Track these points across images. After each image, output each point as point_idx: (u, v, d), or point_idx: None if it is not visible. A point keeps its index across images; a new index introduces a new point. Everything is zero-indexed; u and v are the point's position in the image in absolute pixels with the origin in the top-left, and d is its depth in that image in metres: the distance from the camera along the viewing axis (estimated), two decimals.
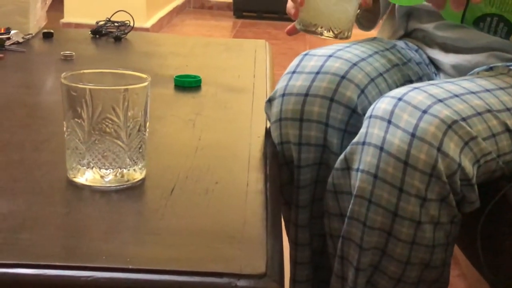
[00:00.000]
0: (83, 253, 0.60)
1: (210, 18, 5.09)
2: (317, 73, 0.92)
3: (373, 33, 1.17)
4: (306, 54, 0.96)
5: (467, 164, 0.82)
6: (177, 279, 0.57)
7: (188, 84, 1.15)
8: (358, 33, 1.07)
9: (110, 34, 1.49)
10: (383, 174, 0.81)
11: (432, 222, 0.82)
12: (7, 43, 1.35)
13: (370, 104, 0.91)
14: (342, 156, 0.87)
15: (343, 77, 0.91)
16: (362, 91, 0.92)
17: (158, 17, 4.40)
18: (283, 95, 0.93)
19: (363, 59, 0.95)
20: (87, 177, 0.73)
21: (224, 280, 0.58)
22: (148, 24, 4.09)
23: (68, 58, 1.28)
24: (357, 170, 0.84)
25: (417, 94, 0.84)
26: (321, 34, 0.97)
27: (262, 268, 0.60)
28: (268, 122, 0.99)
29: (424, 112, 0.81)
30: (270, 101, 0.95)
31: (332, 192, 0.89)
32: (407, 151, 0.80)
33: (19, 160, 0.80)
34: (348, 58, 0.94)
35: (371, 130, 0.83)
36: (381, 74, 0.96)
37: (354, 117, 0.90)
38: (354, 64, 0.93)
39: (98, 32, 1.50)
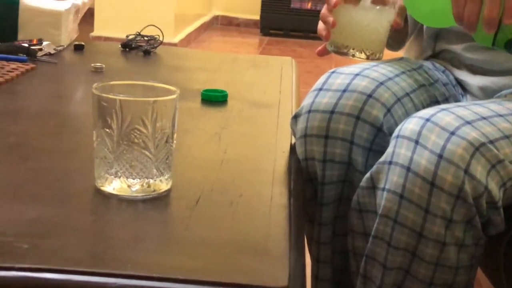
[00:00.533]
0: (109, 260, 0.61)
1: (237, 35, 5.13)
2: (344, 91, 0.93)
3: (400, 53, 1.18)
4: (333, 72, 0.97)
5: (494, 187, 0.82)
6: None
7: (214, 99, 1.16)
8: (385, 53, 1.08)
9: (140, 48, 1.52)
10: (409, 194, 0.82)
11: (457, 244, 0.82)
12: (39, 54, 1.37)
13: (396, 123, 0.92)
14: (368, 175, 0.87)
15: (369, 95, 0.92)
16: (389, 110, 0.92)
17: (186, 33, 4.44)
18: (309, 111, 0.93)
19: (390, 79, 0.96)
20: (114, 186, 0.74)
21: None
22: (176, 39, 4.13)
23: (98, 70, 1.31)
24: (383, 189, 0.84)
25: (445, 115, 0.84)
26: (353, 55, 0.99)
27: (284, 281, 0.60)
28: (293, 138, 0.99)
29: (452, 133, 0.82)
30: (295, 117, 0.96)
31: (356, 211, 0.90)
32: (434, 172, 0.80)
33: (49, 167, 0.82)
34: (375, 77, 0.94)
35: (398, 150, 0.84)
36: (407, 94, 0.96)
37: (380, 136, 0.91)
38: (381, 83, 0.94)
39: (128, 46, 1.53)
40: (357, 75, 0.94)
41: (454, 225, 0.81)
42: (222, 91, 1.18)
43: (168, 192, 0.76)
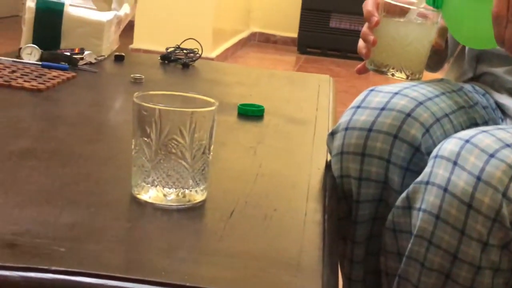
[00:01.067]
0: (143, 267, 0.62)
1: (274, 52, 5.15)
2: (382, 109, 0.92)
3: (439, 74, 1.17)
4: (371, 90, 0.97)
5: None
6: None
7: (251, 113, 1.17)
8: (424, 74, 1.08)
9: (179, 61, 1.53)
10: (445, 215, 0.81)
11: (492, 268, 0.81)
12: (81, 62, 1.40)
13: (434, 144, 0.91)
14: (404, 195, 0.87)
15: (408, 114, 0.91)
16: (427, 130, 0.91)
17: (223, 48, 4.48)
18: (346, 128, 0.93)
19: (429, 99, 0.95)
20: (150, 194, 0.75)
21: None
22: (213, 54, 4.17)
23: (138, 81, 1.32)
24: (419, 209, 0.84)
25: (485, 137, 0.83)
26: (393, 75, 0.99)
27: None
28: (329, 155, 0.99)
29: (491, 156, 0.81)
30: (332, 134, 0.96)
31: (391, 230, 0.89)
32: (471, 194, 0.79)
33: (87, 173, 0.83)
34: (414, 96, 0.94)
35: (436, 170, 0.83)
36: (447, 115, 0.95)
37: (417, 156, 0.90)
38: (420, 103, 0.93)
39: (167, 58, 1.55)
40: (396, 93, 0.94)
41: (490, 248, 0.80)
42: (258, 106, 1.18)
43: (203, 203, 0.77)
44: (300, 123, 1.17)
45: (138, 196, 0.76)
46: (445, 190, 0.81)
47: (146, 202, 0.75)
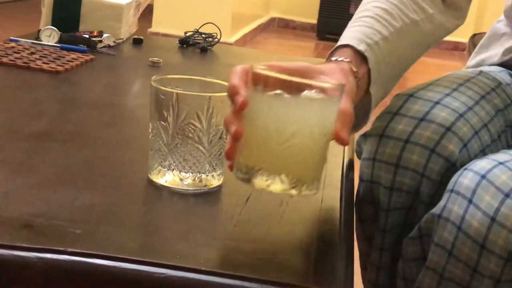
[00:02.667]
0: (159, 251, 0.62)
1: (292, 38, 5.13)
2: (422, 120, 0.88)
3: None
4: (411, 96, 0.91)
5: None
6: (247, 285, 0.58)
7: None
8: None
9: (197, 45, 1.53)
10: (458, 252, 0.80)
11: None
12: (99, 45, 1.40)
13: (469, 158, 0.88)
14: (420, 224, 0.85)
15: (448, 128, 0.87)
16: (465, 145, 0.88)
17: (242, 33, 4.46)
18: (381, 136, 0.89)
19: (470, 109, 0.90)
20: (167, 178, 0.75)
21: None
22: (232, 39, 4.16)
23: (156, 64, 1.32)
24: (432, 241, 0.83)
25: (501, 172, 0.81)
26: (268, 186, 0.65)
27: (333, 284, 0.60)
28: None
29: (507, 196, 0.79)
30: (365, 136, 0.92)
31: (401, 257, 0.89)
32: (485, 235, 0.78)
33: (104, 157, 0.83)
34: (455, 107, 0.89)
35: (450, 206, 0.81)
36: (485, 125, 0.91)
37: (451, 170, 0.87)
38: (461, 116, 0.89)
39: (186, 42, 1.54)
40: (437, 103, 0.89)
41: (503, 284, 0.79)
42: None
43: (219, 188, 0.77)
44: None
45: (155, 179, 0.76)
46: (459, 228, 0.80)
47: (162, 186, 0.75)
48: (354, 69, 0.82)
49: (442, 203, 0.83)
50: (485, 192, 0.79)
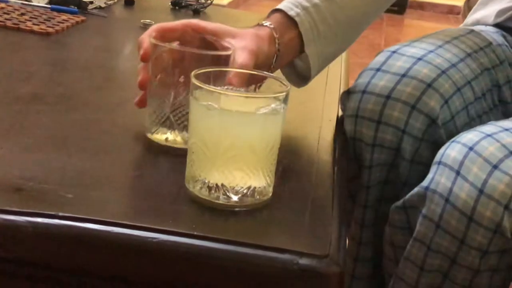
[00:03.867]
0: (150, 215, 0.62)
1: None
2: (403, 75, 0.88)
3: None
4: (394, 52, 0.91)
5: None
6: (240, 250, 0.58)
7: None
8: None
9: (190, 7, 1.50)
10: (445, 225, 0.80)
11: (491, 269, 0.81)
12: (90, 7, 1.38)
13: (451, 115, 0.88)
14: (407, 197, 0.85)
15: (429, 85, 0.87)
16: (446, 102, 0.88)
17: None
18: (364, 92, 0.89)
19: (453, 65, 0.90)
20: (167, 136, 0.74)
21: (286, 256, 0.58)
22: (225, 1, 4.11)
23: (147, 26, 1.30)
24: (420, 213, 0.83)
25: (489, 143, 0.80)
26: (212, 197, 0.65)
27: (325, 249, 0.60)
28: (339, 107, 0.98)
29: (495, 167, 0.78)
30: (348, 93, 0.92)
31: (388, 224, 0.89)
32: (472, 207, 0.78)
33: (95, 120, 0.82)
34: (438, 64, 0.89)
35: (438, 178, 0.81)
36: (469, 82, 0.91)
37: (433, 127, 0.87)
38: (443, 72, 0.89)
39: (178, 4, 1.52)
40: (420, 59, 0.89)
41: (489, 255, 0.80)
42: None
43: None
44: None
45: (154, 137, 0.75)
46: (447, 200, 0.80)
47: (162, 145, 0.74)
48: (276, 35, 0.84)
49: (429, 175, 0.83)
50: (473, 164, 0.79)
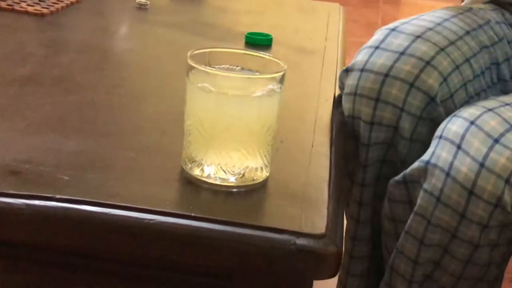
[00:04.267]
0: (147, 197, 0.61)
1: None
2: (402, 53, 0.88)
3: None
4: (393, 30, 0.92)
5: None
6: (237, 230, 0.58)
7: (259, 42, 1.14)
8: None
9: None
10: (446, 199, 0.80)
11: (490, 244, 0.81)
12: None
13: (450, 92, 0.88)
14: (407, 171, 0.85)
15: (427, 62, 0.87)
16: (445, 79, 0.88)
17: None
18: (362, 69, 0.89)
19: (451, 43, 0.90)
20: None
21: (284, 236, 0.58)
22: None
23: (143, 6, 1.29)
24: (421, 187, 0.83)
25: (490, 118, 0.80)
26: (208, 177, 0.65)
27: (322, 228, 0.60)
28: (336, 87, 0.97)
29: (496, 141, 0.78)
30: (347, 71, 0.92)
31: (386, 199, 0.89)
32: (473, 181, 0.78)
33: (91, 101, 0.82)
34: (436, 41, 0.89)
35: (439, 152, 0.81)
36: (467, 60, 0.91)
37: (431, 105, 0.87)
38: (442, 49, 0.89)
39: None
40: (418, 37, 0.89)
41: (490, 229, 0.80)
42: (266, 35, 1.16)
43: None
44: (309, 54, 1.14)
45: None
46: (448, 174, 0.80)
47: (157, 128, 0.74)
48: None
49: (430, 149, 0.83)
50: (474, 138, 0.79)
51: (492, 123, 0.80)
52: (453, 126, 0.82)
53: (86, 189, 0.61)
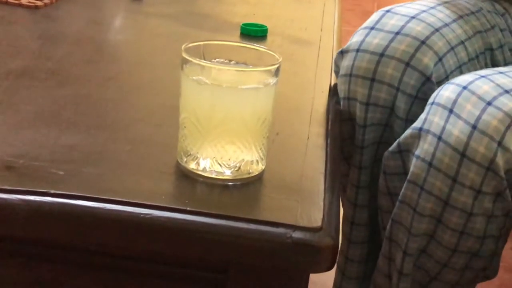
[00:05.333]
0: (143, 191, 0.61)
1: None
2: (397, 33, 0.89)
3: None
4: (387, 11, 0.92)
5: None
6: (233, 224, 0.58)
7: (254, 33, 1.14)
8: None
9: None
10: (438, 163, 0.80)
11: (485, 214, 0.81)
12: None
13: (445, 73, 0.88)
14: (401, 139, 0.85)
15: (423, 42, 0.88)
16: (440, 59, 0.88)
17: None
18: (358, 50, 0.90)
19: (446, 25, 0.91)
20: None
21: (280, 230, 0.58)
22: None
23: None
24: (413, 154, 0.83)
25: (483, 83, 0.81)
26: (204, 170, 0.65)
27: (318, 221, 0.60)
28: (333, 77, 0.97)
29: (489, 104, 0.78)
30: (342, 53, 0.93)
31: (382, 172, 0.89)
32: (465, 143, 0.78)
33: (86, 95, 0.81)
34: (431, 22, 0.90)
35: (431, 118, 0.82)
36: (462, 42, 0.92)
37: (427, 85, 0.88)
38: (436, 30, 0.89)
39: None
40: (413, 18, 0.90)
41: (483, 196, 0.79)
42: (261, 26, 1.15)
43: None
44: (304, 44, 1.14)
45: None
46: (439, 138, 0.80)
47: (152, 121, 0.73)
48: None
49: (422, 116, 0.83)
50: (466, 102, 0.79)
51: (485, 88, 0.80)
52: (445, 92, 0.82)
53: (81, 184, 0.61)
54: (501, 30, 1.00)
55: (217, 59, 0.67)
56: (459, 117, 0.79)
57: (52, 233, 0.59)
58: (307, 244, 0.58)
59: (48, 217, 0.58)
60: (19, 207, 0.58)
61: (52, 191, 0.59)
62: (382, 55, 0.88)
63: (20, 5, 1.15)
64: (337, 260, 1.01)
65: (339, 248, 1.00)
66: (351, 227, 0.97)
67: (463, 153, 0.78)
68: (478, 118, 0.78)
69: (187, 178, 0.64)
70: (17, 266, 0.62)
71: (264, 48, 0.70)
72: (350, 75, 0.90)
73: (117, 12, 1.26)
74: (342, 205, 0.99)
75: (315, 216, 0.61)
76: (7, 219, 0.58)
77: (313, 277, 0.73)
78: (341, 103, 0.92)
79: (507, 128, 0.77)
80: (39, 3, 1.16)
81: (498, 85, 0.81)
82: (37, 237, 0.59)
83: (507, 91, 0.80)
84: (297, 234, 0.58)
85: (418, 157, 0.82)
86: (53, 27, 1.11)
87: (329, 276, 0.94)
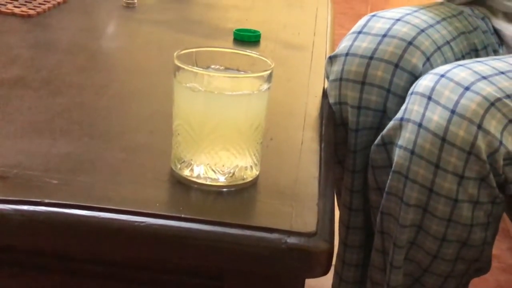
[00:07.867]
0: (138, 199, 0.61)
1: None
2: (384, 35, 0.90)
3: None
4: (373, 16, 0.94)
5: (510, 142, 0.79)
6: (228, 231, 0.58)
7: (247, 39, 1.14)
8: None
9: None
10: (419, 150, 0.80)
11: (471, 201, 0.81)
12: None
13: None
14: (384, 132, 0.86)
15: (410, 43, 0.89)
16: (428, 59, 0.90)
17: None
18: (347, 54, 0.91)
19: (431, 26, 0.93)
20: None
21: (274, 235, 0.58)
22: None
23: (130, 5, 1.29)
24: (396, 145, 0.84)
25: (461, 71, 0.82)
26: (198, 177, 0.64)
27: (313, 226, 0.60)
28: (325, 82, 0.97)
29: (467, 89, 0.79)
30: (331, 58, 0.94)
31: (370, 167, 0.90)
32: (445, 128, 0.78)
33: (79, 103, 0.81)
34: (416, 23, 0.92)
35: (411, 107, 0.82)
36: (448, 43, 0.93)
37: None
38: (422, 31, 0.91)
39: None
40: (398, 20, 0.92)
41: (467, 182, 0.79)
42: (254, 31, 1.15)
43: None
44: (297, 49, 1.14)
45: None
46: (420, 125, 0.80)
47: (145, 129, 0.73)
48: None
49: (403, 107, 0.85)
50: (445, 88, 0.81)
51: (462, 75, 0.81)
52: (424, 81, 0.83)
53: (75, 193, 0.61)
54: (483, 32, 1.01)
55: (209, 66, 0.67)
56: (438, 103, 0.80)
57: (46, 242, 0.59)
58: (302, 249, 0.58)
59: (42, 226, 0.58)
60: (13, 217, 0.58)
61: (46, 200, 0.58)
62: (371, 58, 0.89)
63: (13, 14, 1.15)
64: (334, 264, 1.01)
65: (336, 252, 1.00)
66: (347, 231, 0.97)
67: (443, 138, 0.79)
68: (457, 102, 0.79)
69: (181, 185, 0.64)
70: (10, 276, 0.62)
71: (257, 54, 0.70)
72: (341, 79, 0.91)
73: (110, 19, 1.26)
74: (338, 208, 1.00)
75: (309, 221, 0.61)
76: (0, 229, 0.58)
77: (310, 281, 0.73)
78: (332, 108, 0.92)
79: (486, 111, 0.78)
80: (31, 12, 1.16)
81: (475, 71, 0.82)
82: (31, 246, 0.59)
83: (484, 77, 0.81)
84: (292, 240, 0.58)
85: (400, 146, 0.83)
86: (46, 35, 1.11)
87: (327, 280, 0.94)
